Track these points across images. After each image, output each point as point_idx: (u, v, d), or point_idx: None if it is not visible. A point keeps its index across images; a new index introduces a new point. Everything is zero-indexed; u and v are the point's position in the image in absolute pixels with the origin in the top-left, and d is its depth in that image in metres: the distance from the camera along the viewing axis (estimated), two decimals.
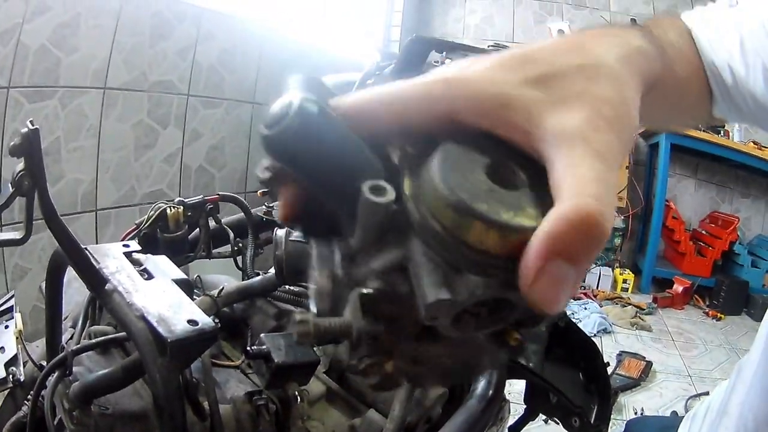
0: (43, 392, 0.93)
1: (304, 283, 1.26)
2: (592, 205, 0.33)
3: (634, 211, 6.52)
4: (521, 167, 0.38)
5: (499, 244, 0.34)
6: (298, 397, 1.00)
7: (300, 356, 0.98)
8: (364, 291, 0.35)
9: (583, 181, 0.34)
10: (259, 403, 0.99)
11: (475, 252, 0.34)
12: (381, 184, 0.35)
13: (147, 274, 0.88)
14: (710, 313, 5.86)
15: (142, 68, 3.16)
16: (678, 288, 6.04)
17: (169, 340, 0.72)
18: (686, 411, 3.31)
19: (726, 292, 5.93)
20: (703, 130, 5.85)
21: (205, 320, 0.76)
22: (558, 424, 1.35)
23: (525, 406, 1.36)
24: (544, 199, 0.35)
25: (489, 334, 0.38)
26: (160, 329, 0.73)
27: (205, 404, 0.95)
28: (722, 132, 5.98)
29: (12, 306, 1.25)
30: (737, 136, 6.02)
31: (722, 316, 5.79)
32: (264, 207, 1.55)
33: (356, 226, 0.36)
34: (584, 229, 0.32)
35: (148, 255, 0.94)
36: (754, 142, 5.91)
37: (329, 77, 1.79)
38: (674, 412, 3.64)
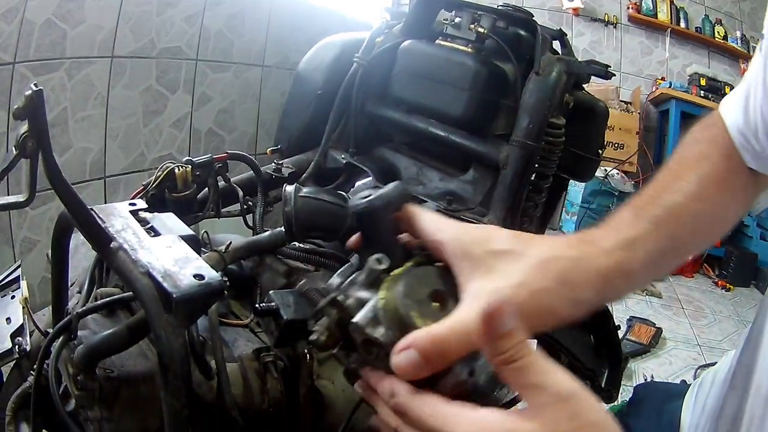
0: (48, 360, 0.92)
1: (314, 240, 1.25)
2: (429, 342, 0.57)
3: (644, 176, 6.47)
4: (452, 299, 0.63)
5: (403, 324, 0.59)
6: (308, 356, 0.99)
7: (310, 313, 0.97)
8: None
9: (447, 328, 0.57)
10: (267, 359, 0.98)
11: (391, 319, 0.59)
12: (383, 258, 0.64)
13: (153, 232, 0.86)
14: (719, 283, 5.85)
15: (149, 36, 3.13)
16: None
17: (174, 296, 0.70)
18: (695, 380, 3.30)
19: (735, 264, 5.91)
20: (711, 99, 5.82)
21: (212, 275, 0.74)
22: None
23: None
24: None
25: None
26: (166, 285, 0.72)
27: (213, 363, 0.94)
28: None
29: (18, 276, 1.24)
30: None
31: (731, 287, 5.78)
32: (273, 164, 1.53)
33: (363, 270, 0.65)
34: (420, 347, 0.56)
35: (155, 213, 0.92)
36: None
37: (339, 36, 1.77)
38: (683, 381, 3.64)
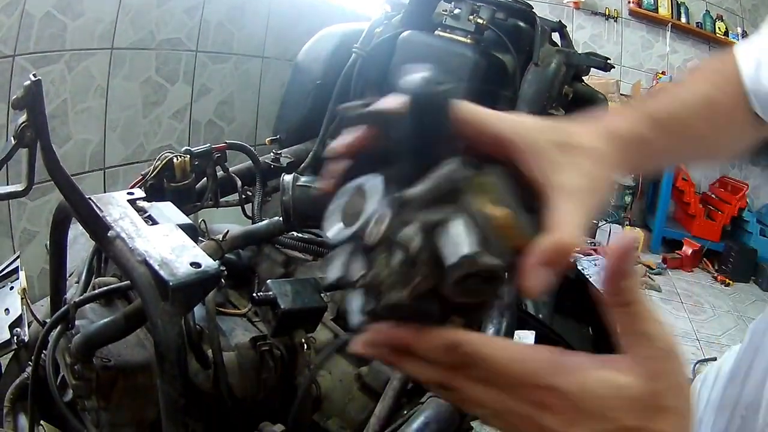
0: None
1: (312, 229, 1.25)
2: (567, 239, 0.48)
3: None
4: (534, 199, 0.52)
5: (516, 239, 0.46)
6: (305, 345, 0.99)
7: (307, 302, 0.97)
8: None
9: (567, 223, 0.49)
10: (264, 348, 0.98)
11: (502, 236, 0.45)
12: (466, 161, 0.47)
13: (151, 221, 0.86)
14: (719, 278, 5.84)
15: (149, 28, 3.12)
16: (687, 250, 6.02)
17: (170, 283, 0.70)
18: (694, 375, 3.29)
19: (735, 259, 5.90)
20: None
21: (209, 263, 0.74)
22: None
23: None
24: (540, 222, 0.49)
25: (447, 309, 0.47)
26: (162, 273, 0.72)
27: (209, 352, 0.94)
28: None
29: (17, 267, 1.24)
30: None
31: (731, 282, 5.77)
32: (272, 154, 1.53)
33: (426, 181, 0.46)
34: (560, 249, 0.47)
35: (153, 202, 0.92)
36: None
37: (339, 26, 1.77)
38: None
